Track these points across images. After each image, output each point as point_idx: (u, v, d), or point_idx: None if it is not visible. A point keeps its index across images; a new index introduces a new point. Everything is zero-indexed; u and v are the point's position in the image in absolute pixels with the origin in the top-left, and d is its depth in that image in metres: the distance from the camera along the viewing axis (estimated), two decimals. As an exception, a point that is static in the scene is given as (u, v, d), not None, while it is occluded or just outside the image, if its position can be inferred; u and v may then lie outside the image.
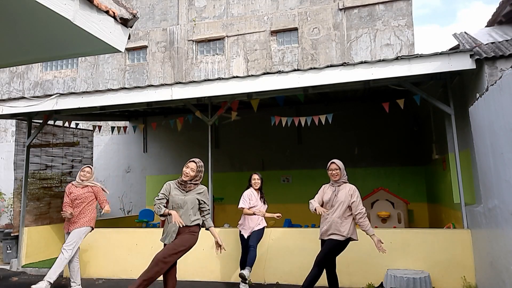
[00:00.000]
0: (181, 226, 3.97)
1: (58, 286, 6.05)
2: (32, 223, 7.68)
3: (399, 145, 9.39)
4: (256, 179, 5.66)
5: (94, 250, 6.60)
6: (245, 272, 5.13)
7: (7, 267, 7.41)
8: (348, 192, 4.44)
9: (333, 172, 4.54)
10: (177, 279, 4.23)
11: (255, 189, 5.65)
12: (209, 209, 4.34)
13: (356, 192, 4.45)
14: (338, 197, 4.43)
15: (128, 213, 11.02)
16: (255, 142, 10.29)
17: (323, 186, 4.72)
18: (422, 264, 5.23)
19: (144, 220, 9.39)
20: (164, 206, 4.13)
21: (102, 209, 5.53)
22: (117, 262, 6.43)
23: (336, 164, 4.54)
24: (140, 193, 11.22)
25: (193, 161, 4.24)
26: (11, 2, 2.17)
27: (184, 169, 4.21)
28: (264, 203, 5.66)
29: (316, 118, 6.64)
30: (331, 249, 4.35)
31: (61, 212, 5.39)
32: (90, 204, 5.44)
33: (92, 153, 9.89)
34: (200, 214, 4.27)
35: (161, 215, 4.10)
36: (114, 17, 2.73)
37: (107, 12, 2.66)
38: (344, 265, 4.81)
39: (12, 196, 8.08)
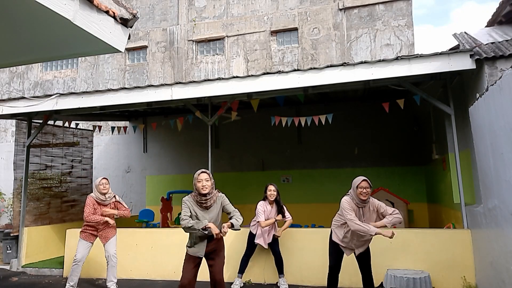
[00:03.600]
0: (219, 236, 3.83)
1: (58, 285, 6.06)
2: (32, 223, 7.69)
3: (399, 145, 9.39)
4: (272, 190, 5.42)
5: (94, 250, 6.56)
6: (283, 281, 5.52)
7: (7, 267, 7.41)
8: (373, 208, 4.17)
9: (363, 190, 4.06)
10: (176, 280, 4.19)
11: (271, 201, 5.46)
12: (235, 209, 4.01)
13: (381, 203, 4.18)
14: (366, 219, 4.17)
15: (128, 213, 11.02)
16: (255, 142, 10.30)
17: (349, 202, 4.16)
18: (422, 264, 5.23)
19: (144, 220, 9.39)
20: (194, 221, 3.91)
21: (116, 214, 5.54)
22: (117, 262, 6.42)
23: (368, 182, 4.10)
24: (140, 193, 11.22)
25: (203, 171, 3.96)
26: (11, 2, 2.17)
27: (198, 184, 3.88)
28: (283, 216, 5.48)
29: (316, 118, 6.64)
30: (369, 258, 4.35)
31: (94, 220, 5.33)
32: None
33: (92, 153, 9.89)
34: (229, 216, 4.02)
35: (203, 229, 3.80)
36: (114, 17, 2.73)
37: (107, 12, 2.66)
38: (344, 265, 4.80)
39: (12, 196, 8.08)
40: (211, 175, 3.98)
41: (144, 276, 6.33)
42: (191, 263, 3.94)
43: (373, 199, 4.26)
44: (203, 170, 3.97)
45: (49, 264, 7.21)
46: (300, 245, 5.79)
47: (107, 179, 5.54)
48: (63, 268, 6.73)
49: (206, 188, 3.86)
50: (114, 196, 5.60)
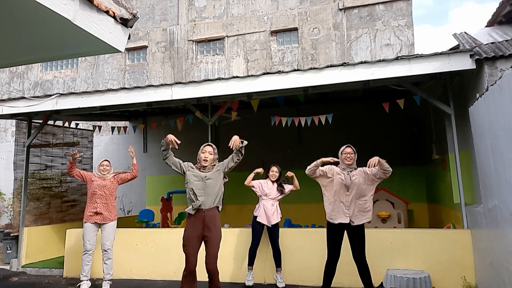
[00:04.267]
0: (176, 144, 3.94)
1: (59, 285, 6.06)
2: (32, 223, 7.68)
3: (399, 145, 9.38)
4: (274, 171, 5.80)
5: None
6: (280, 277, 5.55)
7: (7, 267, 7.40)
8: (361, 170, 4.55)
9: (348, 155, 4.59)
10: (176, 280, 4.22)
11: (272, 181, 5.77)
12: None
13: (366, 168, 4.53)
14: (354, 181, 4.48)
15: (128, 213, 11.03)
16: (255, 142, 10.22)
17: (331, 167, 4.65)
18: (422, 264, 5.23)
19: (144, 220, 9.39)
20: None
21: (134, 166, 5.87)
22: (117, 262, 6.42)
23: (352, 148, 4.63)
24: (140, 193, 11.22)
25: (209, 144, 4.14)
26: (11, 2, 2.17)
27: (201, 154, 4.05)
28: (281, 193, 5.76)
29: (316, 118, 6.64)
30: (363, 236, 4.41)
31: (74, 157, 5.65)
32: (114, 195, 5.70)
33: (92, 153, 9.89)
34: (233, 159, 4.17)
35: (164, 150, 3.98)
36: (114, 17, 2.74)
37: (107, 12, 2.66)
38: (344, 265, 4.81)
39: (12, 196, 8.08)
40: (216, 150, 4.10)
41: (144, 276, 6.33)
42: (193, 244, 3.98)
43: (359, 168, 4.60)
44: (210, 143, 4.17)
45: (49, 264, 7.21)
46: (300, 245, 5.79)
47: (108, 161, 5.78)
48: (63, 268, 6.73)
49: (207, 161, 4.02)
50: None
